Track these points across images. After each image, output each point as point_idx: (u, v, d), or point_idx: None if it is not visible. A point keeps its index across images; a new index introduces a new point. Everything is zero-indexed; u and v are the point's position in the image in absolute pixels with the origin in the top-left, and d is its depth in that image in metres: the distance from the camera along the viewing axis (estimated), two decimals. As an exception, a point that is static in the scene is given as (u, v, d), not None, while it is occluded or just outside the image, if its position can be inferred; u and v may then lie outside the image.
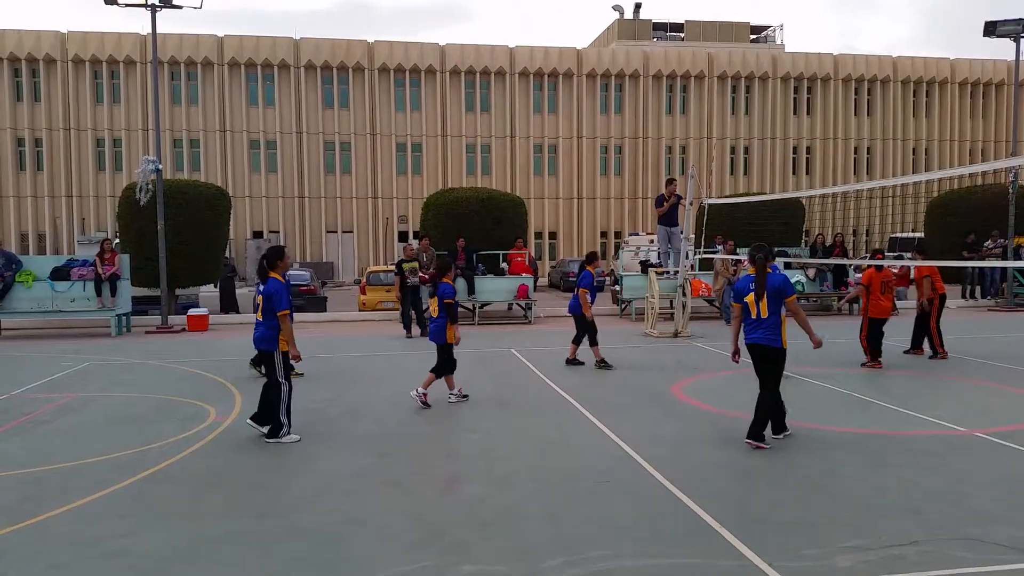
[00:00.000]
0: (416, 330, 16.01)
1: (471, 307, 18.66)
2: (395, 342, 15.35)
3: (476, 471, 6.40)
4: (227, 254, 28.73)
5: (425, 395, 8.91)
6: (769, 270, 7.13)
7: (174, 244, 18.75)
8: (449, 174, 43.19)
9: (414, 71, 43.24)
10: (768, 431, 7.20)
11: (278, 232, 42.51)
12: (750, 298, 7.10)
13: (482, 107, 44.08)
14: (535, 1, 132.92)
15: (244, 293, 26.11)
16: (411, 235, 40.33)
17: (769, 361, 7.12)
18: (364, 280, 22.25)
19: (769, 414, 7.15)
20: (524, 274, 19.47)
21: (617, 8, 52.67)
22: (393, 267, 18.88)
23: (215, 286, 22.37)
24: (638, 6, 52.93)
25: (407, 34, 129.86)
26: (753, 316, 7.10)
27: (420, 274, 16.44)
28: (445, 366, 9.14)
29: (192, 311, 18.52)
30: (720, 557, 4.61)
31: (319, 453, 7.03)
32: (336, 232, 43.18)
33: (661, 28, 52.85)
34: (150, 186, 18.35)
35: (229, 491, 6.00)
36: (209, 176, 39.56)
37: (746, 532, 4.95)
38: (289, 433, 7.47)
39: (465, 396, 9.24)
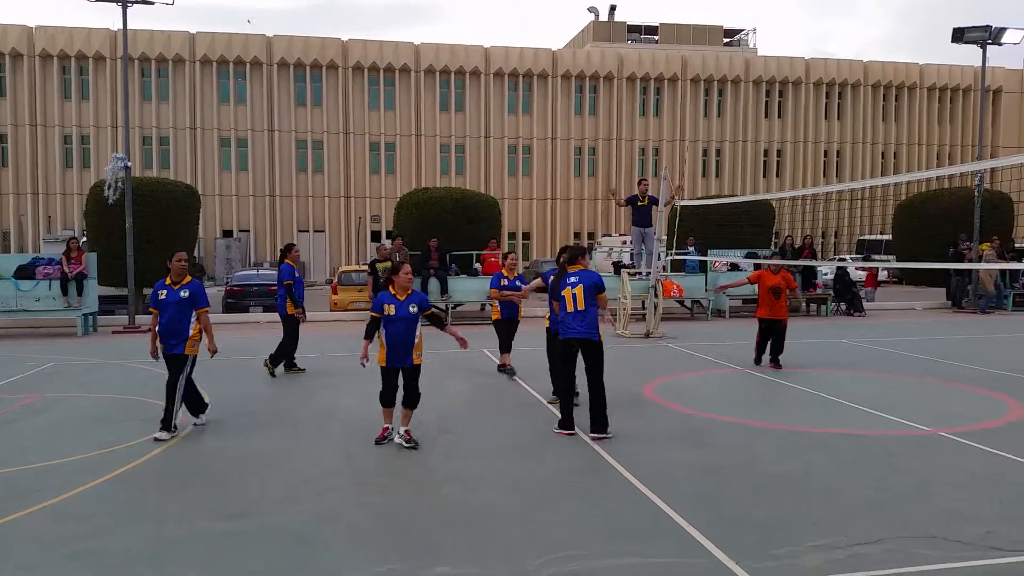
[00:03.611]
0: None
1: (444, 307, 18.62)
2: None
3: (448, 472, 6.40)
4: (196, 253, 28.44)
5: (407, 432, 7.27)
6: (582, 267, 7.60)
7: (142, 243, 18.51)
8: (423, 174, 43.09)
9: (388, 70, 43.08)
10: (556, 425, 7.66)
11: (248, 231, 42.13)
12: (567, 292, 7.45)
13: (456, 107, 44.03)
14: (510, 1, 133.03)
15: (213, 293, 25.85)
16: (384, 235, 40.19)
17: (592, 353, 7.42)
18: (336, 280, 22.12)
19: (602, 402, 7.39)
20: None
21: (592, 10, 52.88)
22: (366, 267, 18.79)
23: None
24: (613, 8, 53.19)
25: (381, 33, 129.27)
26: (569, 309, 7.46)
27: (393, 275, 16.38)
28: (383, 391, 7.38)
29: (161, 310, 18.25)
30: (690, 556, 4.66)
31: (290, 454, 6.99)
32: (308, 231, 42.87)
33: (636, 30, 53.14)
34: (119, 184, 18.10)
35: (198, 492, 5.95)
36: (179, 174, 39.11)
37: (715, 531, 5.00)
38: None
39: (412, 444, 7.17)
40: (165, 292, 7.69)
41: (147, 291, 20.32)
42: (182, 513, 5.45)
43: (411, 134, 43.61)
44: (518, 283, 10.89)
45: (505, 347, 10.95)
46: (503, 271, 11.08)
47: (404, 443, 7.08)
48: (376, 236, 42.58)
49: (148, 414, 8.55)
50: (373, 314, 7.21)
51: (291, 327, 11.27)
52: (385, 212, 40.98)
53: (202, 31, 41.56)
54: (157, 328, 7.73)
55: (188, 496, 5.85)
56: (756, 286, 11.78)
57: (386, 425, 7.31)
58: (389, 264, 16.22)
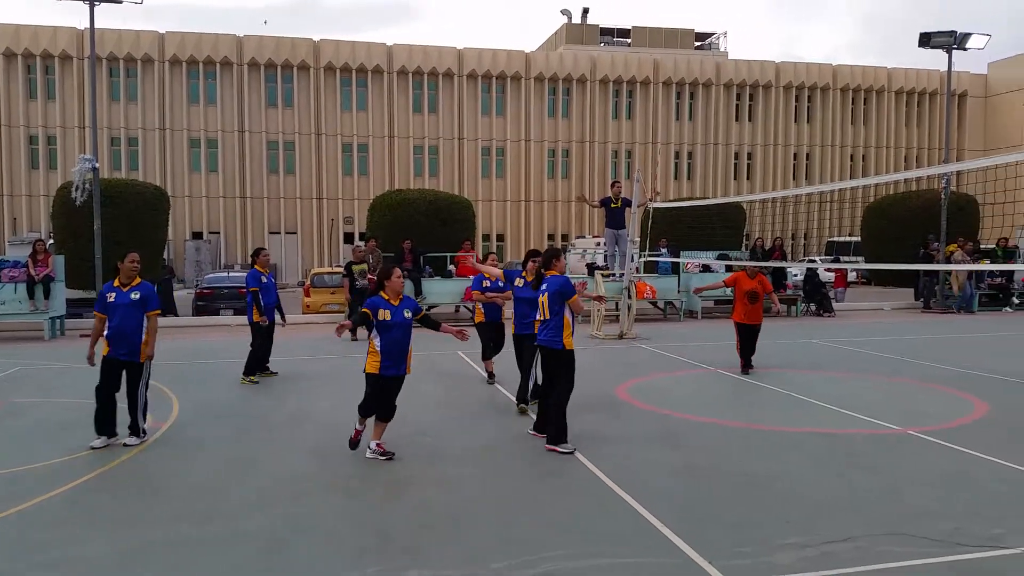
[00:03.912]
0: (363, 332, 15.83)
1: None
2: (339, 345, 15.19)
3: (422, 474, 6.38)
4: (165, 255, 28.11)
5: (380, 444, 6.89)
6: (556, 271, 7.37)
7: (110, 245, 18.24)
8: (396, 175, 42.94)
9: (360, 71, 42.89)
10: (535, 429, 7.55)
11: (219, 233, 41.70)
12: (541, 299, 7.31)
13: (430, 108, 43.95)
14: (483, 3, 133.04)
15: (182, 295, 25.56)
16: (357, 236, 39.99)
17: (555, 361, 7.21)
18: (308, 282, 21.95)
19: (564, 415, 7.10)
20: (471, 276, 19.44)
21: (565, 12, 53.09)
22: (341, 268, 18.61)
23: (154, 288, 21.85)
24: (586, 11, 53.43)
25: (353, 33, 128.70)
26: (539, 317, 7.35)
27: (369, 276, 16.28)
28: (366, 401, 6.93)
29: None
30: (663, 556, 4.68)
31: (263, 458, 6.93)
32: (279, 233, 42.54)
33: (608, 33, 53.42)
34: (86, 185, 17.85)
35: (169, 497, 5.87)
36: (148, 175, 38.62)
37: (688, 531, 5.03)
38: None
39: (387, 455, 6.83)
40: (114, 295, 7.34)
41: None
42: (152, 518, 5.38)
43: (384, 135, 43.46)
44: (500, 284, 10.49)
45: (490, 352, 10.42)
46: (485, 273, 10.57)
47: (379, 456, 6.73)
48: (349, 238, 42.36)
49: (118, 419, 8.44)
50: (366, 310, 6.71)
51: (257, 334, 10.92)
52: (358, 214, 40.78)
53: (171, 31, 41.11)
54: (106, 333, 7.33)
55: (158, 501, 5.78)
56: (730, 289, 11.77)
57: (359, 428, 6.97)
58: (365, 266, 16.16)
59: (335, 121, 42.79)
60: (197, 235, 41.28)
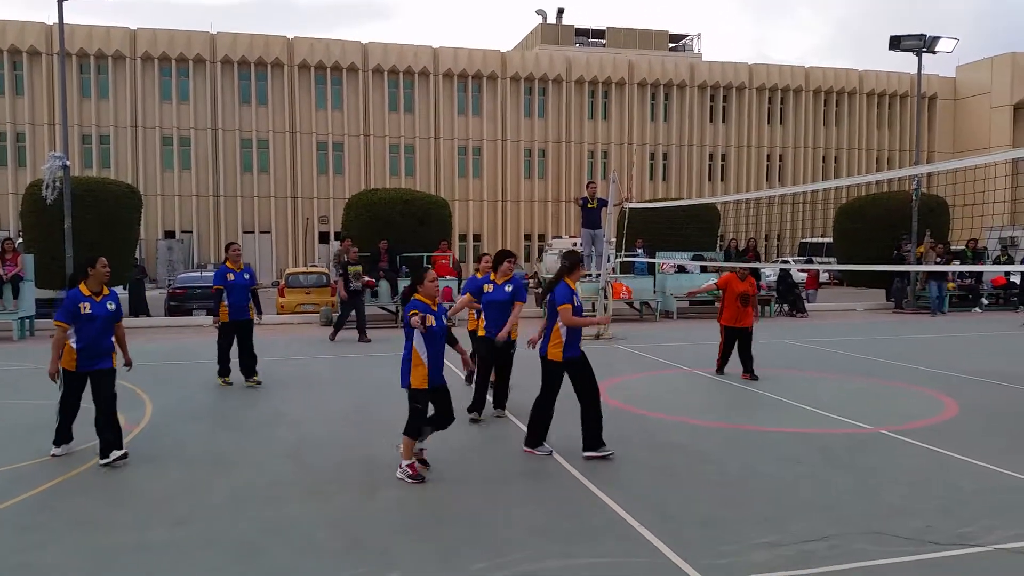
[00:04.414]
0: (362, 335, 15.31)
1: (394, 310, 18.48)
2: (314, 346, 15.09)
3: (396, 478, 6.34)
4: (137, 255, 27.76)
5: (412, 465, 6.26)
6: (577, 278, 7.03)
7: (81, 244, 17.98)
8: (372, 174, 42.73)
9: (335, 69, 42.63)
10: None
11: (191, 232, 41.26)
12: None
13: (405, 107, 43.79)
14: (457, 2, 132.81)
15: (155, 296, 25.26)
16: (332, 236, 39.75)
17: (542, 369, 7.03)
18: (283, 282, 21.77)
19: (540, 421, 6.99)
20: (448, 276, 19.41)
21: (540, 13, 53.13)
22: (318, 268, 18.34)
23: (124, 288, 21.56)
24: (561, 11, 53.51)
25: (328, 31, 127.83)
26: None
27: (365, 279, 16.08)
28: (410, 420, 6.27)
29: (101, 314, 17.76)
30: (640, 555, 4.70)
31: (236, 461, 6.85)
32: (253, 232, 42.16)
33: (583, 34, 53.54)
34: (57, 183, 17.56)
35: (140, 500, 5.79)
36: (120, 173, 38.07)
37: (665, 530, 5.05)
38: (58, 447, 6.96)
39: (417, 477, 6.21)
40: (88, 305, 6.65)
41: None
42: (123, 523, 5.31)
43: (359, 134, 43.23)
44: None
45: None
46: (477, 275, 9.47)
47: (407, 479, 6.13)
48: (324, 237, 42.09)
49: (89, 421, 8.31)
50: (420, 315, 6.05)
51: (223, 333, 10.47)
52: (333, 213, 40.54)
53: (143, 27, 40.59)
54: (77, 346, 6.64)
55: (130, 505, 5.69)
56: (708, 291, 11.71)
57: (420, 455, 6.38)
58: (360, 267, 15.88)
59: (310, 119, 42.50)
60: (169, 234, 40.81)
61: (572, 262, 7.02)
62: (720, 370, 11.20)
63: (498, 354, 8.44)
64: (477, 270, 9.69)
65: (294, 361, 12.90)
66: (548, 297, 6.91)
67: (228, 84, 41.53)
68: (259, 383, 10.40)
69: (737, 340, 10.96)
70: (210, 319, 12.73)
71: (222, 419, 8.52)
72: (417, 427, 6.20)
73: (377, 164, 43.28)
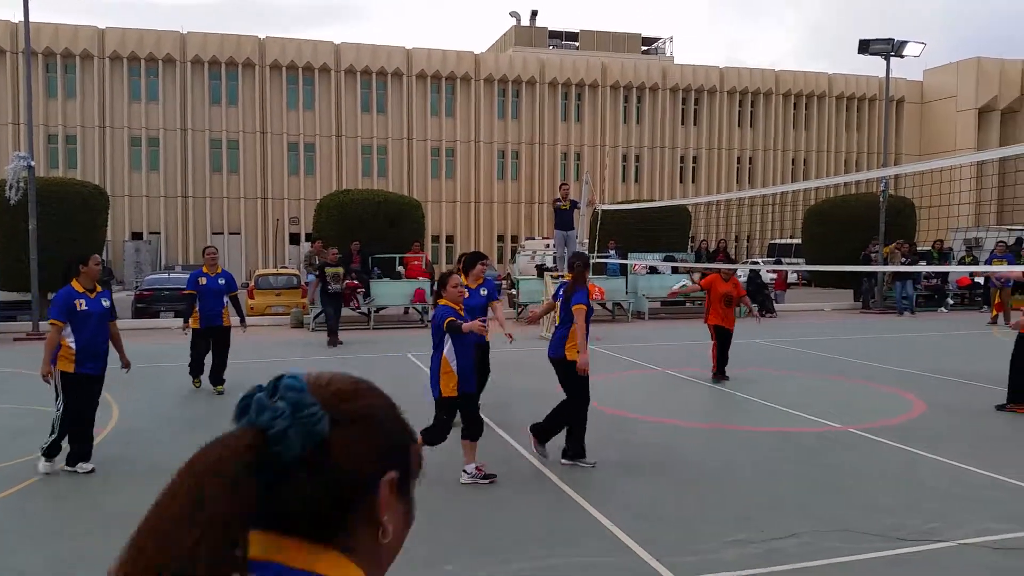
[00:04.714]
0: (333, 339, 14.94)
1: (366, 311, 18.39)
2: (285, 349, 14.97)
3: (462, 482, 6.29)
4: (104, 256, 27.35)
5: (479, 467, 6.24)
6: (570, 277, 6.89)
7: (47, 245, 17.65)
8: (344, 175, 42.47)
9: (307, 69, 42.34)
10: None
11: (159, 233, 40.75)
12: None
13: (378, 108, 43.59)
14: (428, 3, 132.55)
15: (122, 297, 24.90)
16: (303, 237, 39.44)
17: (560, 374, 6.74)
18: (252, 284, 21.56)
19: (569, 426, 6.69)
20: (421, 278, 19.35)
21: (514, 14, 53.16)
22: (288, 270, 18.12)
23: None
24: (534, 13, 53.58)
25: (300, 31, 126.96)
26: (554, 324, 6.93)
27: (348, 281, 15.87)
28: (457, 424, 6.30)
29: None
30: (613, 555, 4.70)
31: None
32: (222, 234, 41.69)
33: (557, 36, 53.65)
34: (21, 184, 17.24)
35: (105, 505, 5.69)
36: (86, 174, 37.48)
37: (638, 529, 5.06)
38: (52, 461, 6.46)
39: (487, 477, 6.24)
40: (84, 302, 6.43)
41: (52, 296, 19.42)
42: (88, 529, 5.22)
43: (331, 135, 42.96)
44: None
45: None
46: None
47: (480, 480, 6.12)
48: (295, 239, 41.76)
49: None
50: (456, 323, 5.90)
51: (196, 339, 10.13)
52: (304, 214, 40.21)
53: (112, 26, 40.02)
54: (77, 346, 6.39)
55: (95, 511, 5.60)
56: (687, 292, 11.46)
57: (481, 463, 6.22)
58: (340, 270, 15.59)
59: (281, 120, 42.16)
60: (137, 235, 40.23)
61: (586, 262, 7.01)
62: (720, 373, 10.63)
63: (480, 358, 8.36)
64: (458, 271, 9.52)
65: (264, 364, 12.78)
66: (565, 298, 6.71)
67: (198, 84, 41.07)
68: (221, 392, 9.94)
69: (724, 340, 10.71)
70: (177, 322, 12.53)
71: (190, 424, 8.41)
72: (440, 436, 6.06)
73: (349, 165, 43.04)
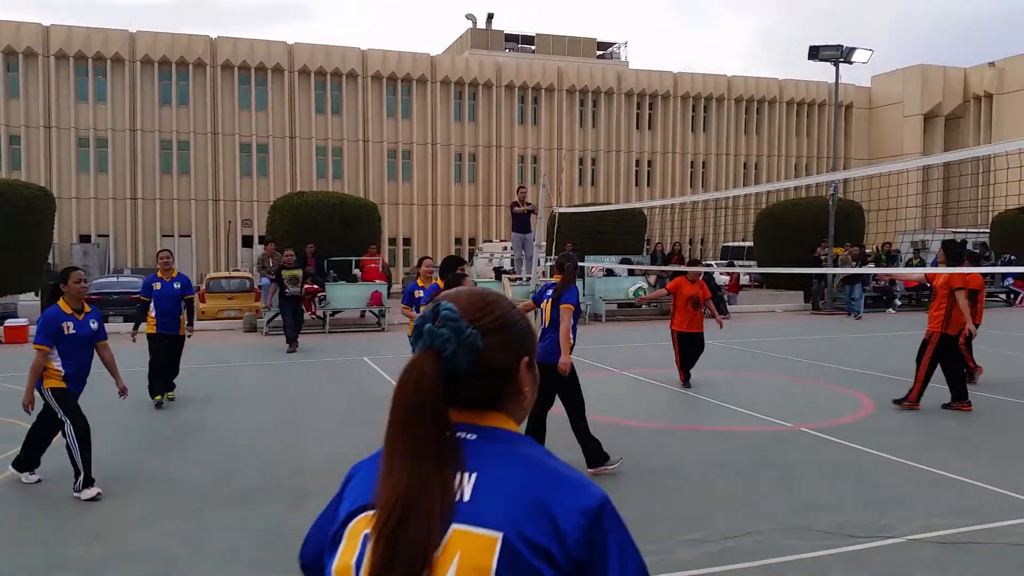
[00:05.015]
0: (292, 344, 14.48)
1: (322, 315, 18.20)
2: (238, 353, 14.74)
3: (326, 485, 6.21)
4: (50, 259, 26.63)
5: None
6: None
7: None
8: (298, 177, 41.96)
9: (260, 69, 41.75)
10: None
11: (108, 236, 39.82)
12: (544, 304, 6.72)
13: (333, 109, 43.18)
14: (384, 4, 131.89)
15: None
16: (256, 240, 38.88)
17: (551, 378, 6.44)
18: (204, 287, 21.18)
19: (587, 438, 6.54)
20: (378, 280, 19.21)
21: (470, 17, 53.13)
22: (241, 272, 17.80)
23: (36, 295, 20.67)
24: (490, 16, 53.61)
25: (252, 31, 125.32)
26: (543, 325, 6.67)
27: (308, 285, 15.59)
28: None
29: (9, 322, 17.02)
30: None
31: (157, 472, 6.62)
32: (173, 236, 40.87)
33: (513, 39, 53.72)
34: (-40, 184, 16.71)
35: (55, 515, 5.53)
36: (32, 175, 36.47)
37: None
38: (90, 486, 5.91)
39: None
40: (72, 325, 6.04)
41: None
42: (35, 537, 5.06)
43: (285, 136, 42.42)
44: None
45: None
46: (418, 280, 9.17)
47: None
48: (247, 241, 41.13)
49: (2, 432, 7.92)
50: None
51: (153, 347, 9.54)
52: (257, 216, 39.66)
53: (57, 24, 39.01)
54: (67, 371, 6.02)
55: (42, 519, 5.43)
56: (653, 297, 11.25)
57: None
58: (299, 272, 15.23)
59: (233, 120, 41.51)
60: (85, 238, 39.26)
61: (575, 263, 6.91)
62: (685, 381, 10.47)
63: None
64: (417, 275, 9.29)
65: (216, 369, 12.56)
66: (554, 298, 6.56)
67: (148, 84, 40.23)
68: (171, 399, 9.54)
69: (692, 346, 10.53)
70: (129, 326, 12.19)
71: (140, 431, 8.23)
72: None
73: (303, 166, 42.55)
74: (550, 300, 6.64)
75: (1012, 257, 23.84)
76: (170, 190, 40.86)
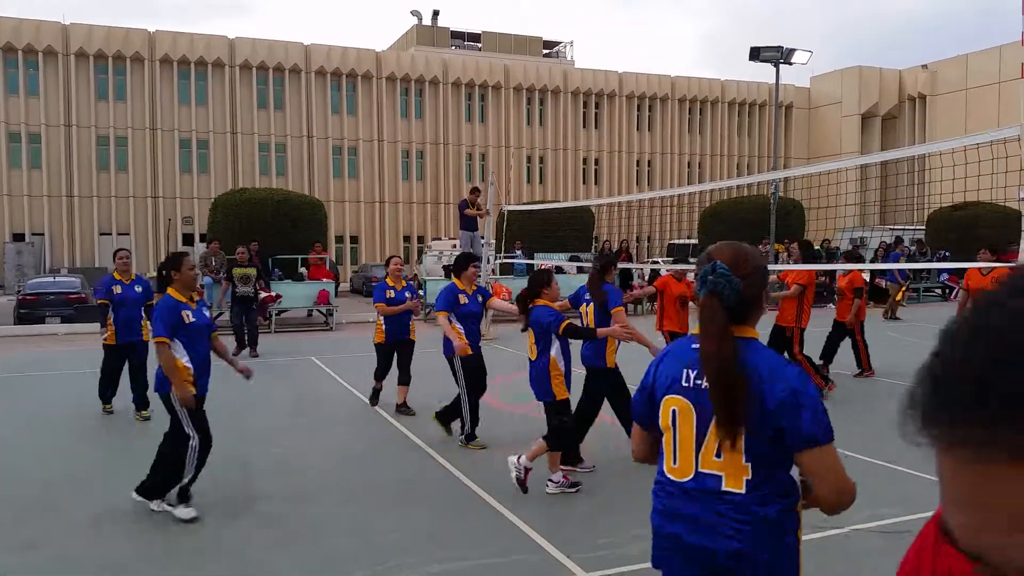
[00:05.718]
0: (252, 348, 13.87)
1: (268, 315, 17.91)
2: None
3: (275, 488, 6.13)
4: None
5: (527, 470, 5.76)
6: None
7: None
8: (240, 174, 41.18)
9: (200, 64, 40.86)
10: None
11: (43, 234, 38.56)
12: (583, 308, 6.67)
13: (276, 105, 42.47)
14: (319, 1, 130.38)
15: (3, 302, 23.46)
16: (197, 238, 38.07)
17: (596, 381, 6.67)
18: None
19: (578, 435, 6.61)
20: (325, 279, 18.98)
21: (415, 13, 52.83)
22: (211, 272, 17.03)
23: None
24: (436, 13, 53.39)
25: (192, 25, 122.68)
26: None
27: (266, 293, 15.18)
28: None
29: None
30: (523, 553, 4.73)
31: (95, 478, 6.44)
32: (111, 234, 39.75)
33: (459, 37, 53.61)
34: None
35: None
36: (-41, 171, 35.14)
37: (547, 527, 5.11)
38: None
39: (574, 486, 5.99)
40: (191, 313, 5.68)
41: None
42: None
43: (226, 131, 41.60)
44: (407, 295, 8.95)
45: (403, 378, 8.87)
46: (387, 280, 9.03)
47: (568, 488, 5.89)
48: (188, 239, 40.24)
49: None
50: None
51: (107, 356, 8.82)
52: (198, 214, 38.81)
53: (-16, 14, 37.62)
54: (194, 364, 5.69)
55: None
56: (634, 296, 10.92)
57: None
58: (253, 271, 14.71)
59: (172, 116, 40.54)
60: (18, 237, 37.93)
61: (606, 263, 6.78)
62: None
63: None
64: (386, 275, 9.13)
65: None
66: (598, 303, 6.45)
67: (83, 78, 39.05)
68: (148, 418, 8.49)
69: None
70: (63, 327, 11.83)
71: (80, 434, 7.99)
72: (567, 439, 5.90)
73: (246, 163, 41.78)
74: (591, 304, 6.52)
75: (947, 253, 24.67)
76: (107, 187, 39.75)
